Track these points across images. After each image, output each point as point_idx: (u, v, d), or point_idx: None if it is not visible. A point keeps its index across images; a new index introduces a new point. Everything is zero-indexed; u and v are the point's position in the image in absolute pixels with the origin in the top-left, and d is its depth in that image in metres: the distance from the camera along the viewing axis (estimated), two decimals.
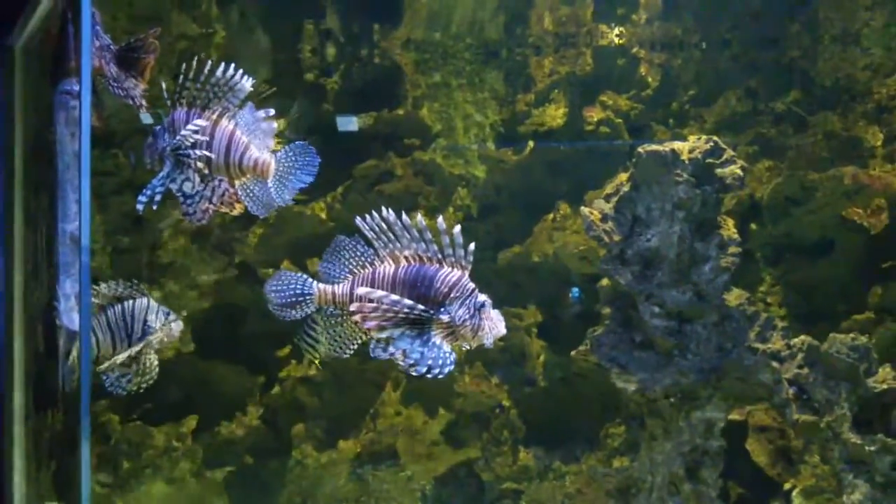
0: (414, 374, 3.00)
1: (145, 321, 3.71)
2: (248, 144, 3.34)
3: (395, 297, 3.02)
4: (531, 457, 5.86)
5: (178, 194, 3.28)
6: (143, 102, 3.58)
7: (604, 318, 4.82)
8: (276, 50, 6.18)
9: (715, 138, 4.66)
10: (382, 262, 3.11)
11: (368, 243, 3.14)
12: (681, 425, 4.61)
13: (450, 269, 3.05)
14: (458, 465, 5.98)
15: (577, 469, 5.76)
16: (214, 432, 5.94)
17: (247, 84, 3.33)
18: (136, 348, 3.69)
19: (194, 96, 3.31)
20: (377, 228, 3.09)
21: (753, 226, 5.80)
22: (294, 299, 3.21)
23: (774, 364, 4.55)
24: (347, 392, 6.07)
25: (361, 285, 3.12)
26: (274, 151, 3.43)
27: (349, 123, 6.25)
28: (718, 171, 4.59)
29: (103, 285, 3.76)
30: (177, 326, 3.78)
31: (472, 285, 3.04)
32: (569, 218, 6.01)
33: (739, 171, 4.58)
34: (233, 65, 3.32)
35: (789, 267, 5.82)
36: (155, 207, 3.25)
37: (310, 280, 3.21)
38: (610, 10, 6.20)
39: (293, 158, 3.39)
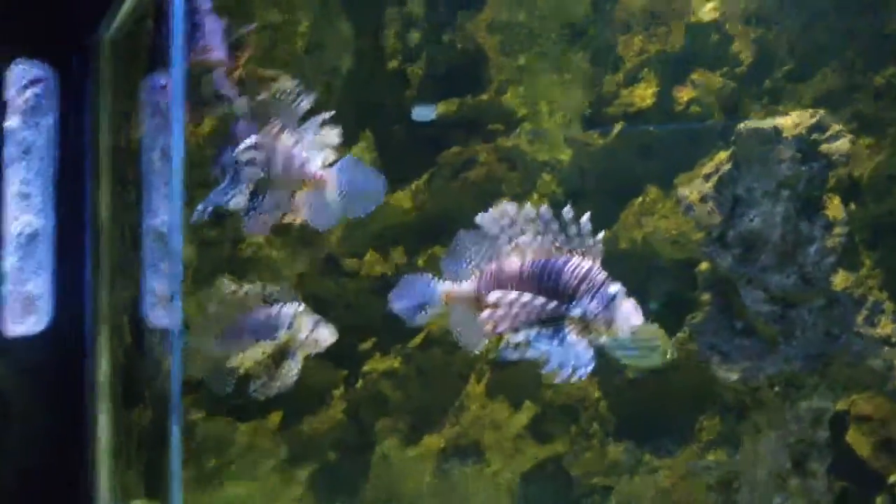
0: (558, 380, 2.87)
1: (291, 326, 3.64)
2: (308, 158, 3.37)
3: (526, 296, 2.90)
4: (622, 451, 5.68)
5: (227, 207, 3.34)
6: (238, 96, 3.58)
7: (703, 305, 4.64)
8: (359, 37, 6.11)
9: (821, 112, 4.42)
10: (508, 256, 2.99)
11: (492, 238, 3.02)
12: (786, 416, 4.40)
13: (578, 259, 2.90)
14: (546, 459, 5.84)
15: (671, 463, 5.56)
16: (298, 428, 5.90)
17: (306, 102, 3.40)
18: (253, 350, 3.63)
19: (255, 111, 3.40)
20: (498, 223, 2.98)
21: (853, 206, 5.50)
22: (420, 301, 3.15)
23: (886, 349, 4.30)
24: (432, 385, 5.98)
25: (487, 282, 3.01)
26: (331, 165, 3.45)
27: (427, 113, 6.15)
28: (825, 146, 4.36)
29: (248, 287, 3.74)
30: (325, 333, 3.70)
31: (602, 275, 2.89)
32: (658, 202, 5.80)
33: (847, 147, 4.34)
34: (295, 81, 3.40)
35: (890, 249, 5.50)
36: (206, 218, 3.32)
37: (434, 280, 3.14)
38: None
39: (353, 171, 3.43)
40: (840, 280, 4.42)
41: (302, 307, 3.69)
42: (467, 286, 3.07)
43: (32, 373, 4.43)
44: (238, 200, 3.33)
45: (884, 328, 4.34)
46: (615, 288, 2.88)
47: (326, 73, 5.98)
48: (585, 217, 2.90)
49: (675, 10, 5.96)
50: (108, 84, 4.45)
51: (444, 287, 3.11)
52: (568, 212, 2.89)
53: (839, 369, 4.40)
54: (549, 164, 6.05)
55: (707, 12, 5.91)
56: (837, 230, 4.37)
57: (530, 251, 2.95)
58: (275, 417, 5.81)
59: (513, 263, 2.96)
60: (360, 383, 5.96)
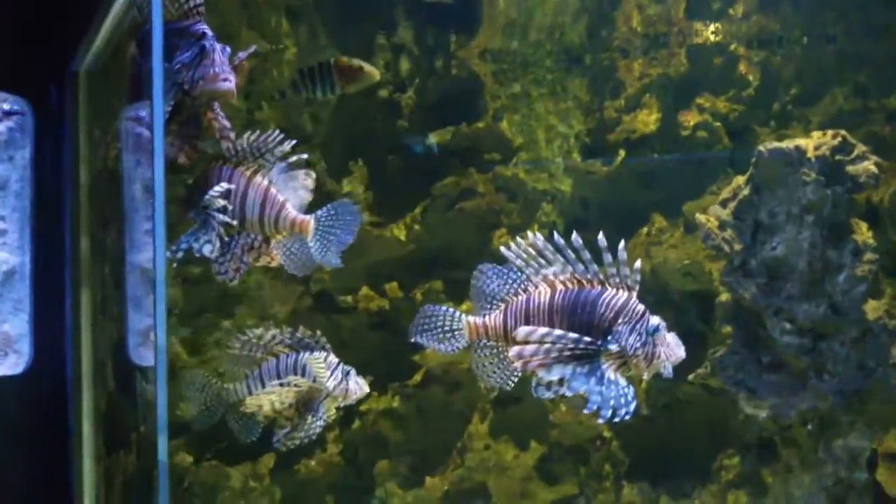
0: (600, 420, 2.70)
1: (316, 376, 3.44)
2: (284, 203, 3.25)
3: (558, 332, 2.74)
4: (636, 493, 5.45)
5: (198, 255, 3.18)
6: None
7: (724, 338, 4.43)
8: None
9: (843, 132, 4.26)
10: (537, 287, 2.83)
11: (520, 269, 2.88)
12: (820, 456, 4.18)
13: (614, 290, 2.74)
14: (555, 502, 5.61)
15: None
16: (293, 471, 5.62)
17: (287, 146, 3.26)
18: (269, 397, 3.43)
19: (232, 154, 3.25)
20: (525, 255, 2.84)
21: (871, 232, 5.36)
22: (442, 335, 2.97)
23: None
24: (433, 425, 5.76)
25: (515, 315, 2.85)
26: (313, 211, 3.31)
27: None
28: (850, 168, 4.18)
29: (275, 332, 3.57)
30: (355, 386, 3.46)
31: (641, 307, 2.73)
32: (665, 231, 5.65)
33: (874, 168, 4.17)
34: (277, 131, 3.26)
35: None
36: (175, 265, 3.18)
37: (458, 314, 2.97)
38: (704, 5, 5.80)
39: (335, 217, 3.26)
40: (871, 309, 4.23)
41: (331, 356, 3.48)
42: (494, 319, 2.90)
43: (12, 416, 4.17)
44: (208, 247, 3.16)
45: None
46: (656, 320, 2.72)
47: (315, 103, 5.83)
48: (621, 245, 2.74)
49: (675, 32, 5.84)
50: (87, 116, 4.29)
51: (470, 320, 2.94)
52: (601, 240, 2.74)
53: (877, 405, 4.21)
54: (549, 193, 5.89)
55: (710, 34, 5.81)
56: (867, 256, 4.18)
57: (561, 282, 2.79)
58: (268, 460, 5.53)
59: (543, 295, 2.81)
60: (357, 424, 5.71)
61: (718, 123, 5.76)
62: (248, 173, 3.24)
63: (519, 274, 2.87)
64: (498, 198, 5.86)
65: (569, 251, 2.79)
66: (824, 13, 5.69)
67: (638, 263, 2.76)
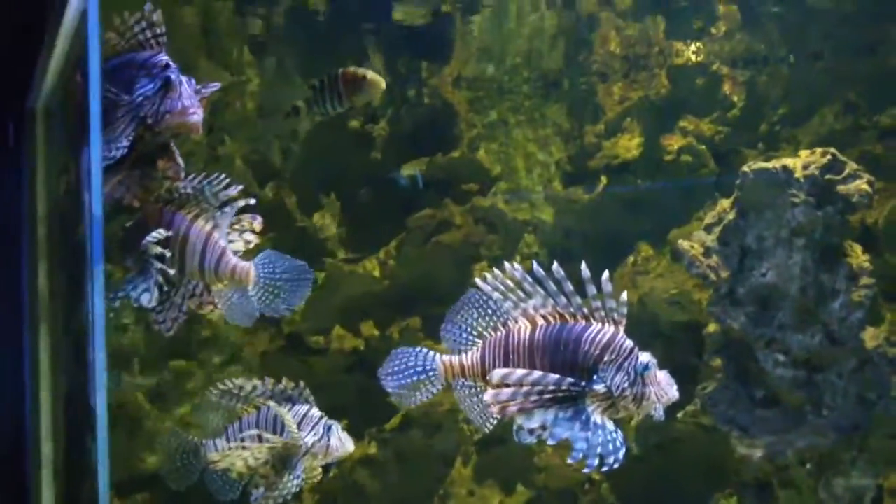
0: (587, 470, 2.51)
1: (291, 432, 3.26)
2: (225, 249, 3.10)
3: (537, 373, 2.57)
4: None
5: (136, 304, 3.02)
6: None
7: (714, 371, 4.21)
8: None
9: (833, 150, 4.05)
10: (517, 322, 2.65)
11: (497, 301, 2.70)
12: (821, 496, 3.94)
13: (599, 325, 2.55)
14: None
15: None
16: None
17: (233, 192, 3.12)
18: (240, 453, 3.23)
19: (174, 197, 3.11)
20: (503, 287, 2.65)
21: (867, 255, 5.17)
22: (416, 378, 2.78)
23: None
24: (412, 472, 5.52)
25: (493, 353, 2.67)
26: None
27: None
28: (841, 187, 3.97)
29: (256, 382, 3.36)
30: (337, 443, 3.25)
31: (629, 343, 2.53)
32: (652, 260, 5.47)
33: (867, 187, 3.96)
34: (223, 175, 3.13)
35: None
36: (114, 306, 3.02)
37: (431, 353, 2.79)
38: (684, 24, 5.67)
39: (274, 265, 3.12)
40: (870, 337, 4.01)
41: (313, 409, 3.29)
42: (471, 357, 2.72)
43: None
44: (147, 296, 2.99)
45: None
46: (646, 358, 2.52)
47: (283, 136, 5.66)
48: (605, 276, 2.55)
49: (655, 53, 5.68)
50: (45, 153, 4.17)
51: (445, 360, 2.75)
52: (585, 271, 2.56)
53: (880, 440, 3.98)
54: (530, 223, 5.70)
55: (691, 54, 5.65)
56: (864, 281, 3.97)
57: (542, 317, 2.61)
58: None
59: (522, 331, 2.64)
60: (333, 472, 5.43)
61: (703, 146, 5.61)
62: (190, 217, 3.09)
63: (498, 306, 2.68)
64: (476, 230, 5.68)
65: (550, 283, 2.62)
66: (809, 31, 5.55)
67: (624, 295, 2.58)
